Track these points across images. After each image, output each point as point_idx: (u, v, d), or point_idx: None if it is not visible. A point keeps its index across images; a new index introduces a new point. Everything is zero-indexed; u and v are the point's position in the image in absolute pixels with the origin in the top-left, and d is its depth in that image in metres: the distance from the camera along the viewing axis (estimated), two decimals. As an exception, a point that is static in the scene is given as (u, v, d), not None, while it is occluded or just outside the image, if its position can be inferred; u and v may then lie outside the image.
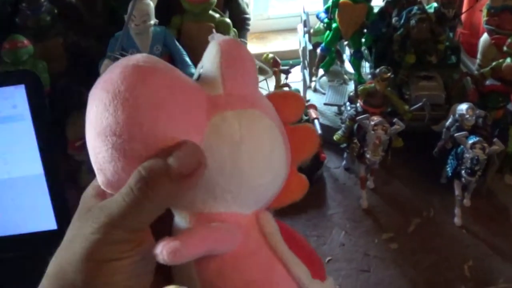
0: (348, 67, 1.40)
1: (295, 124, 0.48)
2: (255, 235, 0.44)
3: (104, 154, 0.39)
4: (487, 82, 1.20)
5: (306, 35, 1.32)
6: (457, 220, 1.08)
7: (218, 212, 0.43)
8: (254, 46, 1.64)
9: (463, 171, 1.04)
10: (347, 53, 1.40)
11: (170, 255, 0.37)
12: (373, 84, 1.10)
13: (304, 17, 1.34)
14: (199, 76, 0.45)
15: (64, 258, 0.40)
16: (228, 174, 0.41)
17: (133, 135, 0.38)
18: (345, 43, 1.38)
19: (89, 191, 0.43)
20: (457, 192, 1.08)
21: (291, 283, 0.44)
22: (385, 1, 1.30)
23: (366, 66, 1.36)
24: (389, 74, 1.09)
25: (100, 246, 0.38)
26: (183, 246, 0.37)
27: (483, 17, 1.31)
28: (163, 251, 0.37)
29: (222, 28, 1.18)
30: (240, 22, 1.30)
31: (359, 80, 1.31)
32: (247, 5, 1.34)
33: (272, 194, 0.45)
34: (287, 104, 0.47)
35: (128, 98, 0.38)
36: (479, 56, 1.33)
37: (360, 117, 1.05)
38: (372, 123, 1.03)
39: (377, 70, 1.09)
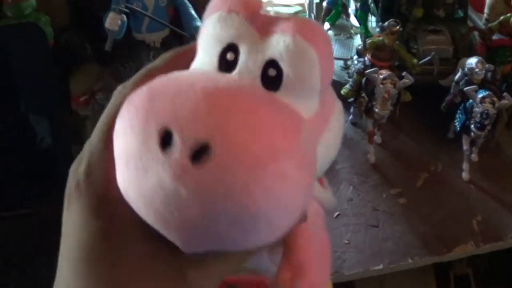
0: (354, 21, 1.38)
1: None
2: None
3: None
4: (494, 37, 1.19)
5: (312, -12, 1.31)
6: (465, 175, 1.08)
7: None
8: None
9: (472, 126, 1.03)
10: (352, 6, 1.38)
11: None
12: (381, 38, 1.09)
13: (310, -30, 1.32)
14: (280, 80, 0.35)
15: None
16: None
17: None
18: (351, -4, 1.36)
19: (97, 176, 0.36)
20: (465, 146, 1.07)
21: None
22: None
23: (372, 20, 1.34)
24: (397, 27, 1.07)
25: None
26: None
27: (491, -30, 1.29)
28: None
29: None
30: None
31: (366, 34, 1.29)
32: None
33: None
34: None
35: None
36: (486, 10, 1.32)
37: (369, 70, 1.03)
38: (381, 76, 1.01)
39: (386, 23, 1.07)
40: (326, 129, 0.37)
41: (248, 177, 0.29)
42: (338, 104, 0.41)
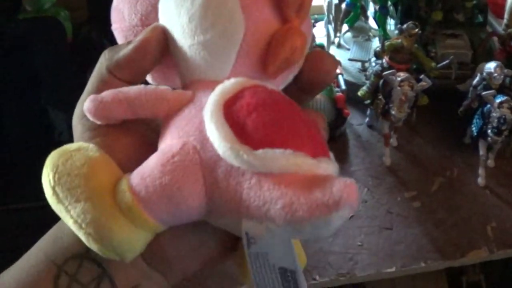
0: (373, 23, 1.37)
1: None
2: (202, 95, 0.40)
3: None
4: (514, 43, 1.18)
5: (332, -11, 1.30)
6: (480, 181, 1.07)
7: (197, 79, 0.42)
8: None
9: (489, 131, 1.02)
10: (371, 9, 1.38)
11: (89, 107, 0.40)
12: (400, 40, 1.08)
13: (329, -29, 1.32)
14: None
15: None
16: (179, 28, 0.41)
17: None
18: (370, -2, 1.35)
19: None
20: (481, 152, 1.07)
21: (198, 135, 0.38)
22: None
23: (391, 23, 1.34)
24: (416, 30, 1.06)
25: None
26: (103, 97, 0.40)
27: (511, -24, 1.28)
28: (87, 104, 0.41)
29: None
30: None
31: (384, 36, 1.28)
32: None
33: (229, 48, 0.40)
34: None
35: None
36: (506, 16, 1.30)
37: (387, 72, 1.03)
38: (399, 79, 1.01)
39: (405, 26, 1.07)
40: None
41: None
42: None
